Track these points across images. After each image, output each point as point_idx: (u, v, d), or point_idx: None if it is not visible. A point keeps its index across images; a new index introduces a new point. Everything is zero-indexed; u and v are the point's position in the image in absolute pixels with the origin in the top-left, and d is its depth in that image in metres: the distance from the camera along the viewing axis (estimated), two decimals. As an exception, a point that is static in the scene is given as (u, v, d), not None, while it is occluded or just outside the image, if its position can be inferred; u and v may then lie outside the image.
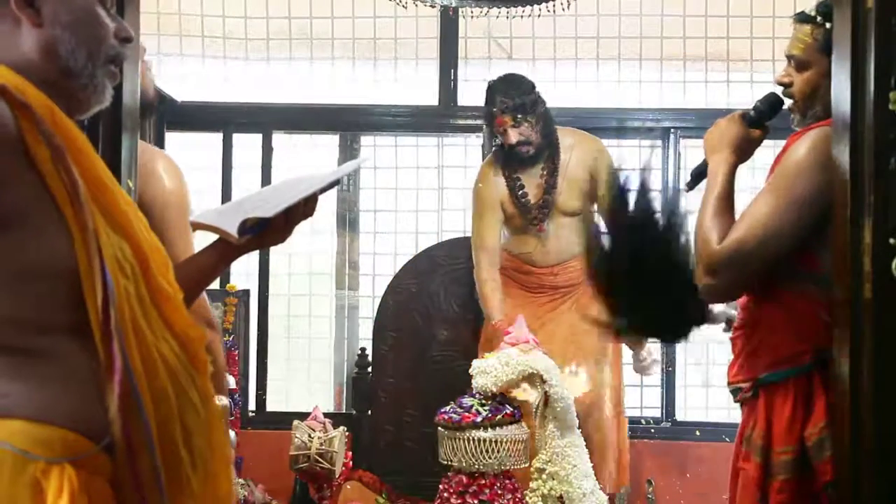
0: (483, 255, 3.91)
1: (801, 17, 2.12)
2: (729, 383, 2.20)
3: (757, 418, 2.08)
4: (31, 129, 1.30)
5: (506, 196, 3.93)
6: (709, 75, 4.65)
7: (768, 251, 1.99)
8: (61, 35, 1.38)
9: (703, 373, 4.48)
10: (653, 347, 3.94)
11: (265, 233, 1.60)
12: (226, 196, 4.62)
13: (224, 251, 1.60)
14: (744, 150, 2.16)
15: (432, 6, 3.78)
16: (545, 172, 3.89)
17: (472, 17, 3.86)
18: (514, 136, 3.79)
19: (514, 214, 3.94)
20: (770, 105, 2.18)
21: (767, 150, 2.37)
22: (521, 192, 3.90)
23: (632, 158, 4.63)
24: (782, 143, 2.13)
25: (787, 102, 2.18)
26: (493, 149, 4.06)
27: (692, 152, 4.42)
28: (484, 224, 3.94)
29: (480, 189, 3.98)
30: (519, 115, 3.78)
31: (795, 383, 2.02)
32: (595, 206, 3.88)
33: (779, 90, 2.18)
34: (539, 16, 3.82)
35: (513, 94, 3.80)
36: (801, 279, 2.03)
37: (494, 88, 3.86)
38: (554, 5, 3.57)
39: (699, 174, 2.23)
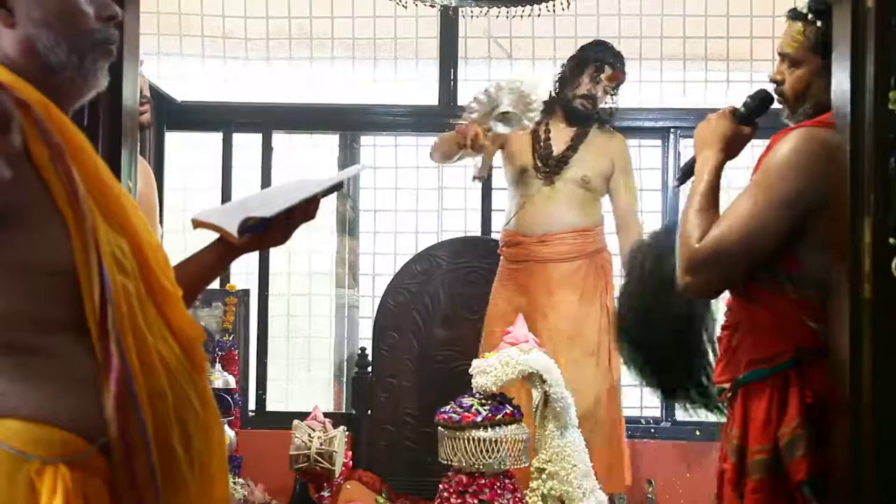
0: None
1: (793, 15, 2.12)
2: (715, 383, 2.19)
3: (735, 418, 2.08)
4: (31, 127, 1.29)
5: (526, 141, 3.95)
6: (709, 75, 4.65)
7: (748, 251, 1.98)
8: (37, 33, 1.36)
9: (703, 373, 4.47)
10: None
11: (265, 233, 1.61)
12: (226, 196, 4.62)
13: (224, 251, 1.60)
14: (733, 147, 2.16)
15: (432, 6, 3.78)
16: (575, 134, 3.94)
17: (472, 17, 3.86)
18: (599, 91, 3.90)
19: (526, 164, 3.94)
20: (760, 101, 2.17)
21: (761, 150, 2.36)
22: (545, 139, 3.94)
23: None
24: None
25: (778, 99, 2.18)
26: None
27: (692, 152, 4.41)
28: None
29: None
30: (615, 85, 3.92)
31: (772, 383, 2.00)
32: (608, 191, 3.96)
33: (771, 87, 2.18)
34: (539, 16, 3.81)
35: (623, 65, 3.95)
36: (780, 279, 2.02)
37: (615, 54, 3.95)
38: (554, 5, 3.57)
39: (688, 170, 2.22)
